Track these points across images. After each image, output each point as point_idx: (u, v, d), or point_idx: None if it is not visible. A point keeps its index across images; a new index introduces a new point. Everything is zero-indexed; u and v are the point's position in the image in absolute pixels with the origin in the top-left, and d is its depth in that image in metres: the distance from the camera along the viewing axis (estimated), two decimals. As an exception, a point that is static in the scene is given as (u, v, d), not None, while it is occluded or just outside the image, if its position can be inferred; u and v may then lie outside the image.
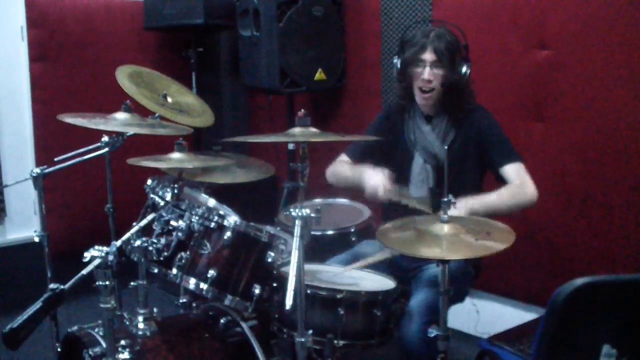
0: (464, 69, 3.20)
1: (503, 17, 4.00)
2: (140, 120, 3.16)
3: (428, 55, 3.18)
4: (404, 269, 3.27)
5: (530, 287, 4.08)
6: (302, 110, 2.58)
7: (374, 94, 4.82)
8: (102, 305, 2.33)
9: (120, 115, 3.12)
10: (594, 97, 3.67)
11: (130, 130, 3.21)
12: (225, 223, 2.85)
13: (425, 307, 2.92)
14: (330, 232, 3.52)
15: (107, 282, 2.29)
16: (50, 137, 4.86)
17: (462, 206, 2.92)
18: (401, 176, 3.33)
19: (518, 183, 3.13)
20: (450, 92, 3.23)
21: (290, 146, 4.93)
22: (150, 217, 2.76)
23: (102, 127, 3.02)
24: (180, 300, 3.29)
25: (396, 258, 3.18)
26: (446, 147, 2.61)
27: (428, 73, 3.18)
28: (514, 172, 3.16)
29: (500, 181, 3.18)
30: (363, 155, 3.46)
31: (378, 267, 3.17)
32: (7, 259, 4.91)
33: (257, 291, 2.86)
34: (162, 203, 2.92)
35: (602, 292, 1.92)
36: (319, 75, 4.81)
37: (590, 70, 3.67)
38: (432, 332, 2.51)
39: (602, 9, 3.58)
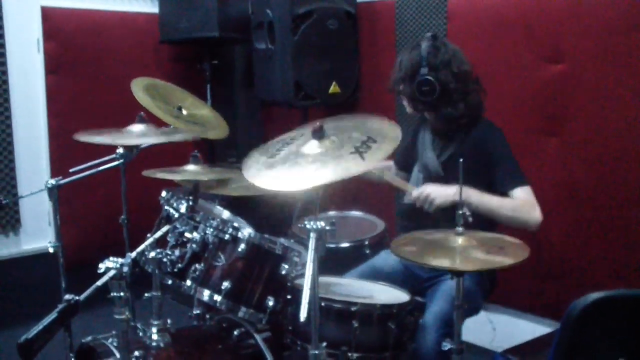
0: (413, 81, 3.21)
1: (517, 31, 4.00)
2: (155, 129, 3.17)
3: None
4: (418, 279, 3.28)
5: (545, 300, 4.07)
6: (317, 123, 2.58)
7: (388, 107, 4.82)
8: (116, 316, 2.34)
9: (136, 128, 3.13)
10: (608, 111, 3.66)
11: (146, 141, 3.22)
12: (240, 235, 2.86)
13: (441, 320, 2.92)
14: (344, 245, 3.52)
15: (122, 293, 2.29)
16: (65, 149, 4.87)
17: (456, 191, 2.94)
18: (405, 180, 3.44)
19: (525, 203, 3.09)
20: (417, 104, 3.29)
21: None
22: (164, 228, 2.77)
23: (119, 141, 3.05)
24: (194, 312, 3.29)
25: (411, 266, 3.23)
26: (461, 160, 2.60)
27: (405, 105, 3.37)
28: (523, 194, 3.11)
29: None
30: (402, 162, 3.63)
31: (398, 279, 3.19)
32: (22, 270, 4.93)
33: (270, 303, 2.87)
34: (176, 215, 2.93)
35: (616, 307, 1.92)
36: (334, 88, 4.82)
37: (604, 85, 3.66)
38: (447, 345, 2.51)
39: (616, 23, 3.57)
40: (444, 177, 3.24)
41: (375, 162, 2.37)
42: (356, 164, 2.34)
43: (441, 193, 3.04)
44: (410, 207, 3.32)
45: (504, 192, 3.15)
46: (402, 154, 3.58)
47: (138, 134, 3.11)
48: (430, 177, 3.29)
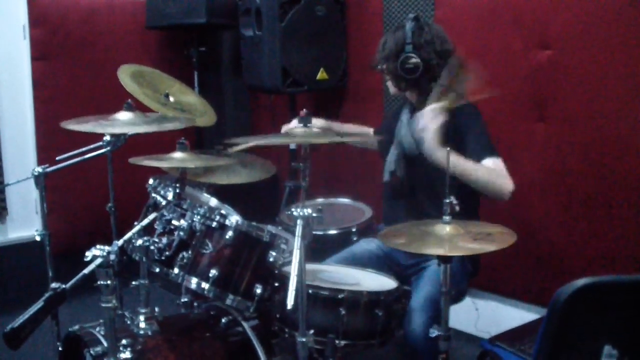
0: (398, 60, 3.23)
1: (505, 16, 4.00)
2: (142, 118, 3.16)
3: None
4: (400, 266, 3.29)
5: (532, 287, 4.09)
6: (304, 109, 2.58)
7: (375, 93, 4.82)
8: (103, 305, 2.33)
9: (123, 115, 3.12)
10: (596, 97, 3.67)
11: (135, 129, 3.21)
12: (227, 222, 2.85)
13: (429, 303, 2.93)
14: (331, 232, 3.52)
15: (109, 282, 2.29)
16: (51, 136, 4.86)
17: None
18: (384, 159, 3.48)
19: (498, 170, 3.04)
20: (400, 82, 3.31)
21: (292, 145, 4.93)
22: (151, 216, 2.75)
23: (109, 130, 3.04)
24: (182, 300, 3.28)
25: (392, 254, 3.29)
26: (448, 149, 2.60)
27: (389, 85, 3.41)
28: (493, 165, 3.05)
29: None
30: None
31: (379, 267, 3.20)
32: (8, 258, 4.92)
33: (258, 291, 2.86)
34: (163, 202, 2.92)
35: (603, 293, 1.92)
36: (321, 74, 4.81)
37: (592, 71, 3.67)
38: (434, 332, 2.52)
39: (604, 9, 3.58)
40: (419, 155, 3.24)
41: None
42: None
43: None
44: (388, 186, 3.36)
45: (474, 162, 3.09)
46: (383, 133, 3.61)
47: (125, 122, 3.09)
48: (405, 155, 3.31)
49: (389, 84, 3.37)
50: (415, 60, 3.17)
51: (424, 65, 3.18)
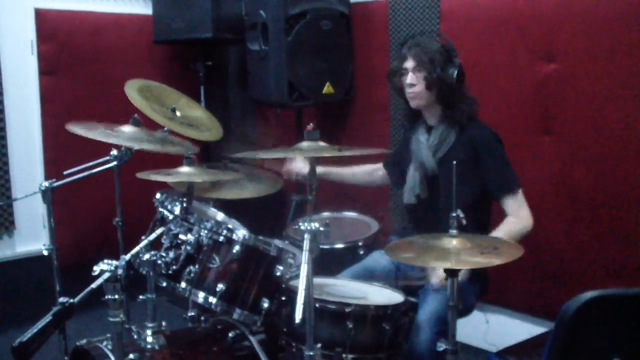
0: (447, 69, 3.24)
1: (511, 30, 4.00)
2: (148, 134, 3.17)
3: (409, 63, 3.28)
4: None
5: (539, 300, 4.07)
6: (311, 124, 2.59)
7: (382, 107, 4.83)
8: (110, 319, 2.34)
9: (128, 129, 3.13)
10: (601, 110, 3.67)
11: (138, 145, 3.22)
12: (234, 237, 2.86)
13: (435, 319, 2.93)
14: (338, 246, 3.52)
15: (116, 296, 2.29)
16: (59, 151, 4.88)
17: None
18: (403, 183, 3.45)
19: (515, 220, 3.17)
20: (440, 94, 3.27)
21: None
22: (159, 230, 2.76)
23: (112, 140, 3.04)
24: (189, 314, 3.28)
25: (403, 267, 3.27)
26: (455, 162, 2.59)
27: (410, 77, 3.27)
28: (513, 204, 3.19)
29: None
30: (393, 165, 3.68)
31: (384, 280, 3.21)
32: (16, 272, 4.92)
33: (265, 305, 2.87)
34: (171, 217, 2.93)
35: (611, 306, 1.92)
36: (327, 88, 4.81)
37: (597, 84, 3.67)
38: (442, 346, 2.51)
39: (609, 23, 3.58)
40: (439, 175, 3.26)
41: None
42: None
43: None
44: (411, 208, 3.35)
45: (493, 196, 3.23)
46: (394, 156, 3.61)
47: (131, 137, 3.10)
48: (426, 176, 3.30)
49: (414, 90, 3.30)
50: (457, 73, 3.22)
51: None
